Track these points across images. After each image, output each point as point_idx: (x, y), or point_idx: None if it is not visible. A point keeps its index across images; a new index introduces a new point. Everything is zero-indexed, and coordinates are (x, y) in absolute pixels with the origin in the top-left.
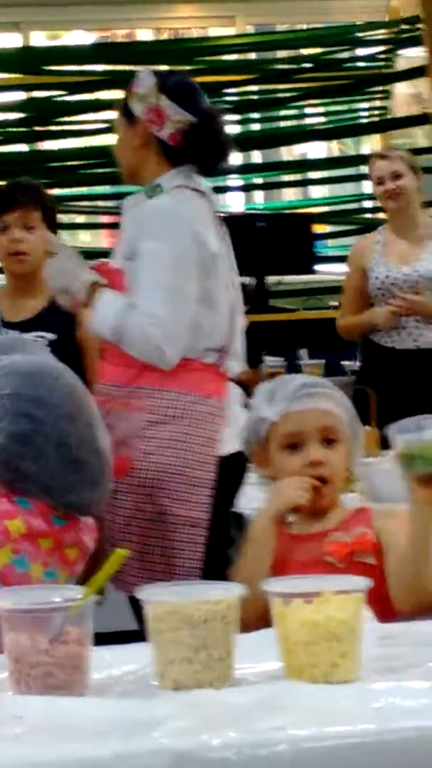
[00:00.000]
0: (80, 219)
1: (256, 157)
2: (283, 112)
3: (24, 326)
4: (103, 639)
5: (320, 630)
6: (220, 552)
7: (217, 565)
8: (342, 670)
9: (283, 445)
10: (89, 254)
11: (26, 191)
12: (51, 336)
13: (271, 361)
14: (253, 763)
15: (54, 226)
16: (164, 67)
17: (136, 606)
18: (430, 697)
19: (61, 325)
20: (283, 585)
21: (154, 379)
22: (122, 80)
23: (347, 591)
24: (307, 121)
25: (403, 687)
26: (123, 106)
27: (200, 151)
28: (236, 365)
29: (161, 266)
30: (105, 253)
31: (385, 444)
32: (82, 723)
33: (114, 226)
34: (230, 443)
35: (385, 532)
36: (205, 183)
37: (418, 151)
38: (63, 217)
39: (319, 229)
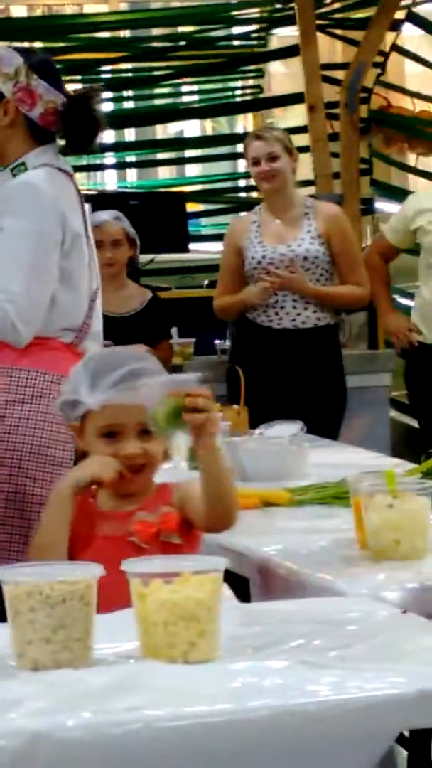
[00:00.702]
0: None
1: (130, 135)
2: (158, 90)
3: None
4: None
5: (178, 610)
6: None
7: None
8: (200, 650)
9: (99, 433)
10: None
11: None
12: None
13: None
14: (108, 742)
15: None
16: (38, 44)
17: None
18: (287, 677)
19: None
20: (142, 565)
21: (11, 358)
22: None
23: (205, 571)
24: (182, 99)
25: (261, 666)
26: None
27: (73, 131)
28: (94, 345)
29: (22, 243)
30: None
31: (253, 423)
32: None
33: None
34: None
35: (180, 495)
36: (68, 162)
37: (292, 131)
38: None
39: (193, 207)
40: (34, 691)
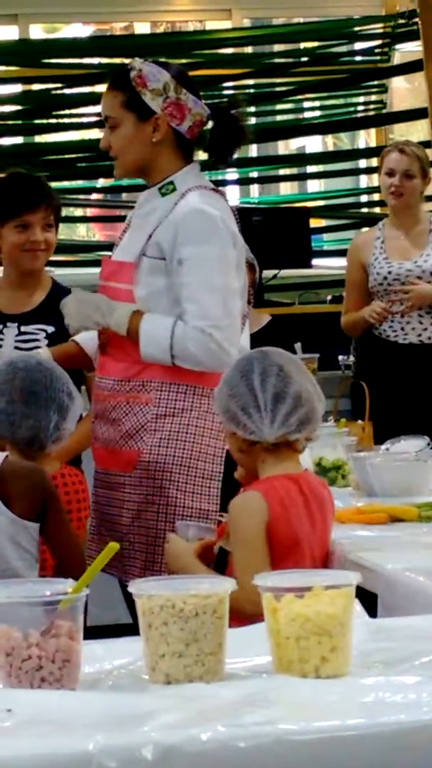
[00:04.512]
0: (78, 212)
1: (252, 150)
2: (280, 106)
3: (23, 319)
4: (100, 632)
5: (310, 625)
6: None
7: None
8: (331, 665)
9: None
10: (90, 247)
11: (44, 192)
12: (50, 329)
13: None
14: (241, 756)
15: (59, 222)
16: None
17: (131, 600)
18: (419, 692)
19: (60, 317)
20: (274, 579)
21: (160, 372)
22: None
23: (337, 586)
24: (304, 115)
25: (392, 682)
26: (128, 102)
27: (219, 142)
28: None
29: (210, 269)
30: (103, 246)
31: (378, 439)
32: (71, 717)
33: (110, 219)
34: None
35: None
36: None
37: None
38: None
39: (315, 223)
40: (167, 705)
